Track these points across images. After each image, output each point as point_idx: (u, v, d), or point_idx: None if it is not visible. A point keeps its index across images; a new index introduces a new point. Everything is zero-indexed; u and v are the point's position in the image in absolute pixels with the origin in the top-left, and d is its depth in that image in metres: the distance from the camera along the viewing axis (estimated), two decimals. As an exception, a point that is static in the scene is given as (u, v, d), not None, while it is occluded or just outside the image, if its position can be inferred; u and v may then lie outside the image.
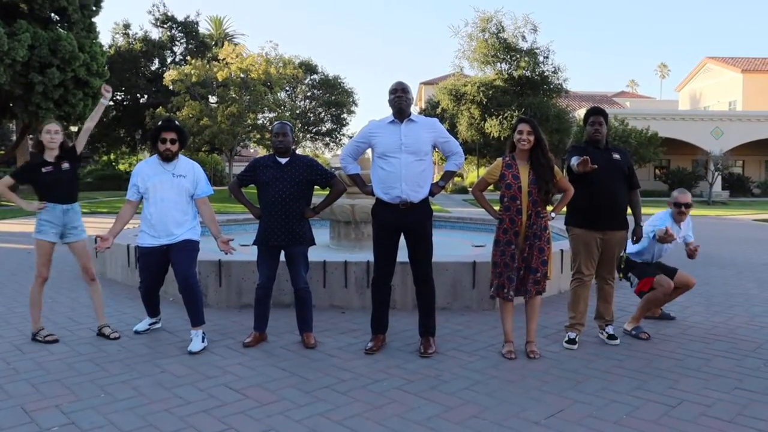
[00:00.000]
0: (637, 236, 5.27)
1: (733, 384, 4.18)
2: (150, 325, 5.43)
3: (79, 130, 25.68)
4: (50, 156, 5.19)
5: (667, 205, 5.63)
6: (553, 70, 31.66)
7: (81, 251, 5.25)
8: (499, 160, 4.82)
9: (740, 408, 3.76)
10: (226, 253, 5.07)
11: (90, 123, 5.43)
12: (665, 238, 5.19)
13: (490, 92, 31.02)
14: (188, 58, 37.81)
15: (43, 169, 5.14)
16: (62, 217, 5.17)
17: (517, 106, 30.09)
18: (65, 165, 5.21)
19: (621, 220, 5.07)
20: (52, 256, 5.22)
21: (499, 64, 31.67)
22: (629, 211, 5.15)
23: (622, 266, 5.45)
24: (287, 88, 41.44)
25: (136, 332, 5.35)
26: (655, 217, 5.56)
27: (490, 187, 4.94)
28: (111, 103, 39.66)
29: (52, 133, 5.17)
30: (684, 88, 51.77)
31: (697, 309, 6.37)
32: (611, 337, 5.16)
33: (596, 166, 4.73)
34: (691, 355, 4.84)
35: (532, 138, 4.65)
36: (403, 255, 4.95)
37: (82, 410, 3.69)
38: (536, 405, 3.79)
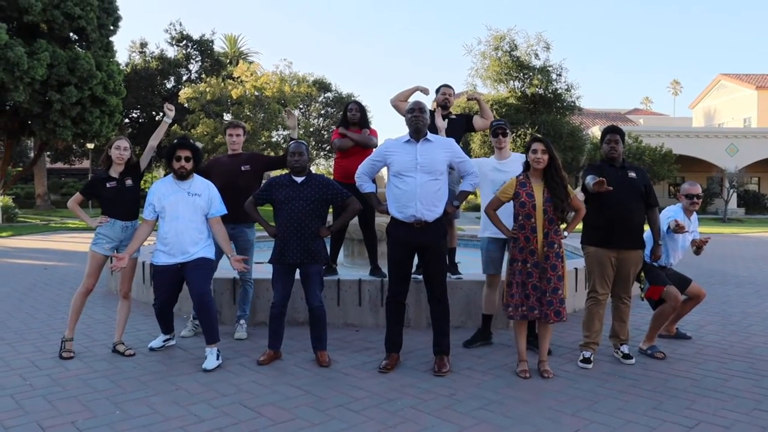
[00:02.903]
0: (656, 255, 5.26)
1: (752, 405, 4.13)
2: (164, 341, 5.45)
3: (96, 147, 25.69)
4: (115, 172, 5.32)
5: (677, 198, 5.75)
6: (566, 87, 31.65)
7: (127, 269, 5.27)
8: (513, 178, 4.83)
9: (760, 430, 3.72)
10: (239, 272, 5.10)
11: (153, 141, 5.65)
12: (678, 229, 5.21)
13: (504, 110, 31.05)
14: (203, 76, 38.18)
15: (108, 185, 5.27)
16: (120, 233, 5.29)
17: (530, 123, 30.07)
18: (129, 182, 5.35)
19: (636, 239, 5.05)
20: (102, 270, 5.36)
21: (512, 82, 31.71)
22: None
23: (642, 286, 5.42)
24: (301, 106, 41.69)
25: (151, 349, 5.38)
26: (666, 211, 5.57)
27: None
28: (127, 120, 40.11)
29: (121, 150, 5.30)
30: (698, 105, 51.57)
31: (714, 328, 6.31)
32: (626, 356, 5.12)
33: (611, 188, 4.74)
34: (708, 375, 4.79)
35: (545, 157, 4.67)
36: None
37: (98, 427, 3.71)
38: (552, 425, 3.76)
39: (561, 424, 3.80)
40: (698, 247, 5.58)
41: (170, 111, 5.76)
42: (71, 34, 25.71)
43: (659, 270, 5.47)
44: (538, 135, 5.53)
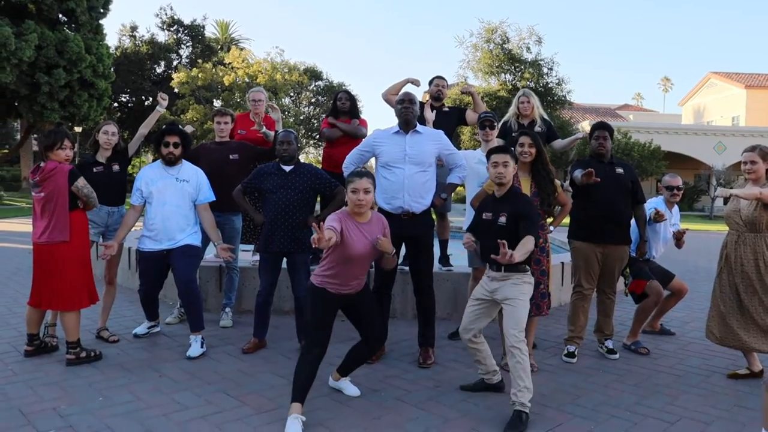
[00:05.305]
0: (641, 251, 5.29)
1: (733, 401, 4.17)
2: (149, 328, 5.43)
3: (84, 131, 25.40)
4: (102, 157, 5.30)
5: (658, 191, 5.76)
6: (557, 81, 31.67)
7: (114, 255, 5.22)
8: (501, 171, 4.81)
9: (740, 426, 3.75)
10: (225, 260, 5.07)
11: (144, 129, 5.65)
12: (658, 217, 5.29)
13: (494, 103, 31.06)
14: (199, 61, 37.79)
15: (94, 169, 5.23)
16: (106, 218, 5.26)
17: (520, 116, 30.10)
18: (116, 167, 5.32)
19: (622, 234, 5.07)
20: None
21: (503, 74, 31.69)
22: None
23: (626, 281, 5.45)
24: (291, 94, 41.48)
25: (136, 336, 5.35)
26: (647, 203, 5.61)
27: None
28: (115, 104, 39.76)
29: (109, 135, 5.28)
30: (687, 102, 51.77)
31: (698, 324, 6.36)
32: (610, 351, 5.16)
33: (599, 179, 4.77)
34: (691, 371, 4.83)
35: (533, 150, 4.66)
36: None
37: (80, 414, 3.69)
38: (535, 419, 3.78)
39: (544, 417, 3.81)
40: (678, 239, 5.63)
41: (163, 100, 5.73)
42: (60, 15, 25.41)
43: (643, 264, 5.50)
44: (526, 129, 5.53)
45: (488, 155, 4.21)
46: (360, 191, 3.78)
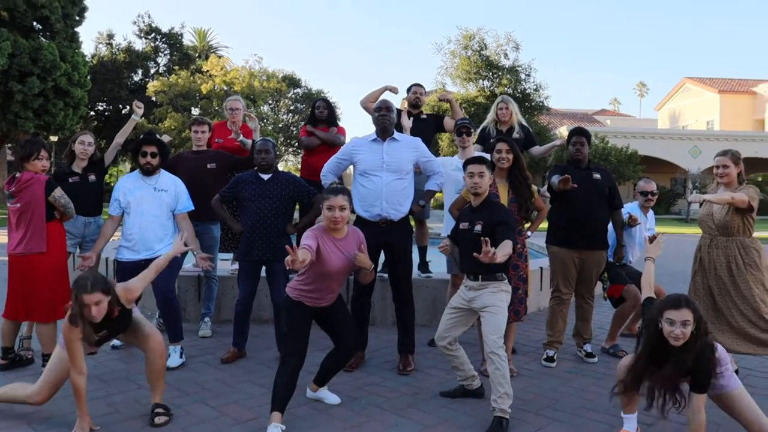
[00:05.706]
0: (618, 256, 5.35)
1: (709, 402, 4.21)
2: (127, 340, 5.37)
3: (59, 141, 25.11)
4: (78, 167, 5.26)
5: (634, 196, 5.91)
6: (534, 87, 31.97)
7: (92, 266, 5.16)
8: (478, 178, 4.84)
9: (716, 427, 3.80)
10: (204, 269, 5.05)
11: (120, 138, 5.64)
12: (631, 222, 5.40)
13: (472, 109, 31.24)
14: (176, 68, 37.55)
15: (70, 180, 5.19)
16: (83, 229, 5.22)
17: (499, 123, 30.27)
18: (92, 177, 5.28)
19: (599, 239, 5.12)
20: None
21: (481, 81, 31.92)
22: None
23: (604, 286, 5.50)
24: (270, 102, 41.37)
25: (113, 347, 5.29)
26: (623, 208, 5.67)
27: None
28: (92, 113, 39.38)
29: (85, 144, 5.26)
30: (663, 107, 52.48)
31: (674, 327, 6.42)
32: (589, 355, 5.20)
33: (576, 185, 4.81)
34: (668, 373, 4.86)
35: (510, 156, 4.70)
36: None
37: (55, 428, 3.65)
38: (514, 424, 3.79)
39: (524, 422, 3.84)
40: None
41: (139, 109, 5.70)
42: (34, 23, 25.18)
43: (620, 268, 5.56)
44: (503, 135, 5.58)
45: (464, 165, 4.25)
46: (336, 208, 3.79)
